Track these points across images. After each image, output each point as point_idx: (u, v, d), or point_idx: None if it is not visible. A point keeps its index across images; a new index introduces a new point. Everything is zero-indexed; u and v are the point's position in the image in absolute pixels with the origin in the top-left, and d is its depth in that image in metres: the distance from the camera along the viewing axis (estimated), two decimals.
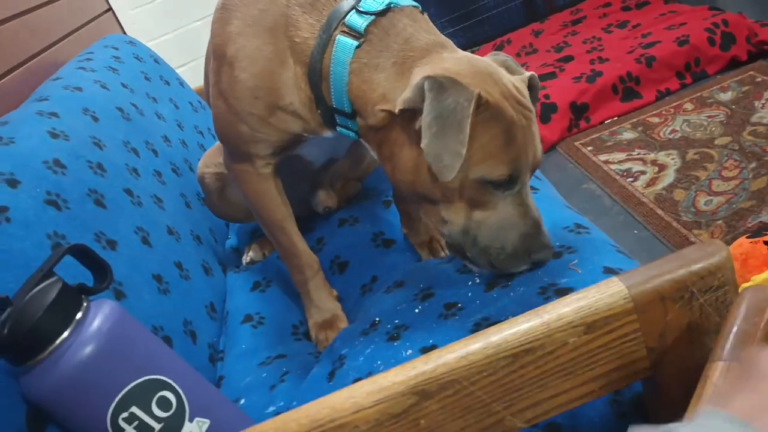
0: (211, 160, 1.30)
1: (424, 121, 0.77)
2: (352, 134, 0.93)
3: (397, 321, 0.93)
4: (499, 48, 3.26)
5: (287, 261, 1.12)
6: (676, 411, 0.51)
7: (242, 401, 0.94)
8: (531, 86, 0.91)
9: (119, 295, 0.90)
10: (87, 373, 0.62)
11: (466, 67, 0.83)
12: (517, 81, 0.87)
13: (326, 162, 1.21)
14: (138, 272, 0.98)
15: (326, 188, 1.30)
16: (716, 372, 0.47)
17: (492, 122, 0.80)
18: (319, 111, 0.92)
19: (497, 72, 0.85)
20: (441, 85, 0.77)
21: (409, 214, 1.13)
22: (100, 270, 0.68)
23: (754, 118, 2.06)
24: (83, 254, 0.68)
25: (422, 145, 0.78)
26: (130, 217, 1.07)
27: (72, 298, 0.63)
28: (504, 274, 0.88)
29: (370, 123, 0.87)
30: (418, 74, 0.82)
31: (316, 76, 0.89)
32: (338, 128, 0.93)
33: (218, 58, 0.95)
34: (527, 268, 0.87)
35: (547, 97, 2.45)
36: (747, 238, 1.42)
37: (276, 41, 0.91)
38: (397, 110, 0.82)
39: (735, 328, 0.49)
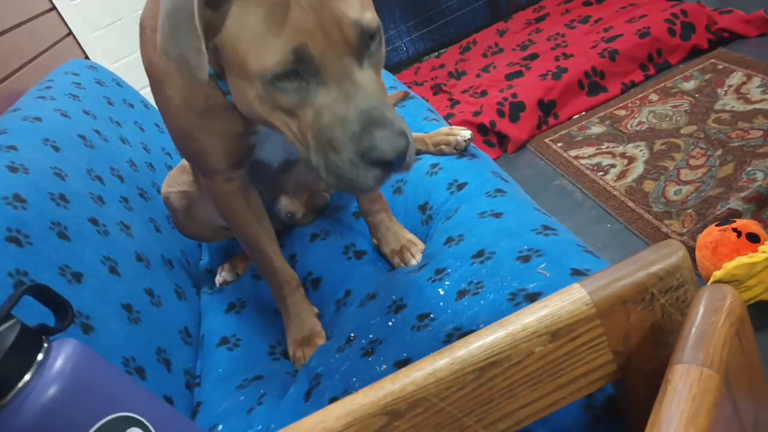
0: (174, 179, 1.29)
1: (159, 24, 0.69)
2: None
3: (371, 335, 0.92)
4: (466, 49, 3.28)
5: (266, 277, 1.12)
6: (648, 411, 0.52)
7: (220, 427, 0.93)
8: None
9: (87, 329, 0.89)
10: (52, 415, 0.60)
11: None
12: None
13: (283, 162, 1.15)
14: (106, 303, 0.97)
15: (288, 195, 1.30)
16: (677, 375, 0.47)
17: (251, 6, 0.69)
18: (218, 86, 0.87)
19: None
20: None
21: (376, 225, 1.13)
22: (61, 309, 0.67)
23: (717, 106, 2.09)
24: (42, 294, 0.66)
25: (159, 50, 0.70)
26: (96, 247, 1.05)
27: (32, 340, 0.61)
28: (358, 189, 0.73)
29: (213, 64, 0.80)
30: None
31: None
32: (228, 98, 0.87)
33: (150, 82, 0.95)
34: (379, 174, 0.72)
35: (514, 95, 2.46)
36: (716, 226, 1.44)
37: None
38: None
39: (693, 330, 0.49)
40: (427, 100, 2.89)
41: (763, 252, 1.29)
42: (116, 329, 0.95)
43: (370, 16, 0.73)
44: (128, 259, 1.12)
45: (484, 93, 2.67)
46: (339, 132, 0.70)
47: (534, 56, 2.80)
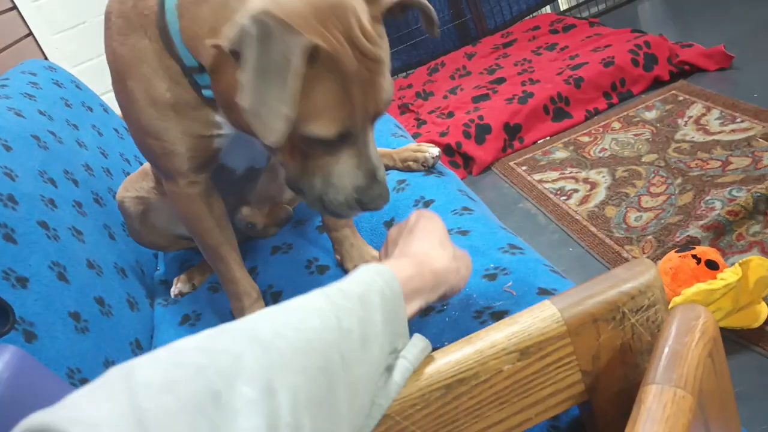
0: (132, 184, 1.25)
1: (243, 72, 0.67)
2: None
3: None
4: (434, 71, 3.30)
5: (225, 288, 1.09)
6: None
7: None
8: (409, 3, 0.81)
9: (30, 337, 0.84)
10: None
11: (306, 4, 0.70)
12: (367, 19, 0.75)
13: (247, 170, 1.14)
14: (52, 311, 0.91)
15: (250, 205, 1.26)
16: (650, 395, 0.45)
17: (326, 76, 0.71)
18: (187, 80, 0.85)
19: (346, 8, 0.72)
20: (267, 29, 0.65)
21: (341, 240, 1.10)
22: (2, 313, 0.63)
23: (677, 136, 2.14)
24: None
25: (240, 101, 0.68)
26: (45, 251, 1.00)
27: None
28: (335, 216, 0.87)
29: (208, 66, 0.79)
30: (247, 7, 0.70)
31: (165, 38, 0.82)
32: (203, 92, 0.85)
33: (112, 75, 0.91)
34: (358, 211, 0.84)
35: (481, 118, 2.48)
36: (676, 252, 1.45)
37: (138, 30, 0.84)
38: (227, 49, 0.71)
39: (666, 350, 0.48)
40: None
41: (722, 279, 1.31)
42: (62, 338, 0.90)
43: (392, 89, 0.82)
44: (79, 265, 1.07)
45: (450, 114, 2.68)
46: (348, 181, 0.80)
47: (501, 80, 2.83)
